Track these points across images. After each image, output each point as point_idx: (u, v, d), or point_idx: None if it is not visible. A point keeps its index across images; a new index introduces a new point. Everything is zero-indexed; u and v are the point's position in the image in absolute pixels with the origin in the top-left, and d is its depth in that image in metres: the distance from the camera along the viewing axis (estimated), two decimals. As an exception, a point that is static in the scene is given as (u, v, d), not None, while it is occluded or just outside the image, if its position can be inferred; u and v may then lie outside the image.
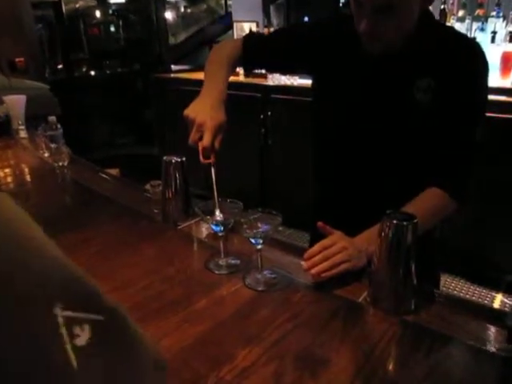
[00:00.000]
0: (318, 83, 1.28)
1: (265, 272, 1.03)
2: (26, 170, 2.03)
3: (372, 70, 1.12)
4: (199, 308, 0.93)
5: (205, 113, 1.04)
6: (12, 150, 2.32)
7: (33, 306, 0.32)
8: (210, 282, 1.03)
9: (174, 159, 1.29)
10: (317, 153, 1.34)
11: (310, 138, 1.34)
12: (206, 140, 1.02)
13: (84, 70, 5.67)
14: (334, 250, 0.96)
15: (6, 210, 0.36)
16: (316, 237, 1.36)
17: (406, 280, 0.88)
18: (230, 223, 1.03)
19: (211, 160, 1.05)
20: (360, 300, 0.94)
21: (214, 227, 1.04)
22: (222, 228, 1.03)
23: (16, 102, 2.57)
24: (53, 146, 2.01)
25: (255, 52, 1.28)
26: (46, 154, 2.10)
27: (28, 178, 1.95)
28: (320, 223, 1.02)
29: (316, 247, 0.97)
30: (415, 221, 0.85)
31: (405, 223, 0.84)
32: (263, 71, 3.41)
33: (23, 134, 2.52)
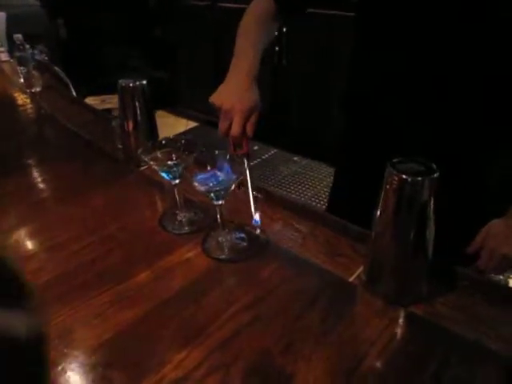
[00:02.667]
0: None
1: (232, 233, 0.78)
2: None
3: None
4: (136, 284, 0.70)
5: (231, 97, 0.85)
6: (-14, 74, 2.07)
7: None
8: (159, 245, 0.79)
9: (132, 83, 1.01)
10: (355, 75, 0.98)
11: (350, 57, 0.97)
12: (235, 128, 0.83)
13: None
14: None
15: None
16: (343, 170, 1.09)
17: (417, 255, 0.62)
18: (184, 170, 0.77)
19: (243, 150, 0.85)
20: (352, 279, 0.68)
21: (164, 174, 0.78)
22: (173, 175, 0.77)
23: (-6, 20, 2.28)
24: (21, 69, 1.75)
25: None
26: (22, 80, 1.85)
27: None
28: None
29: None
30: (435, 175, 0.56)
31: (419, 179, 0.56)
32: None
33: (4, 56, 2.26)
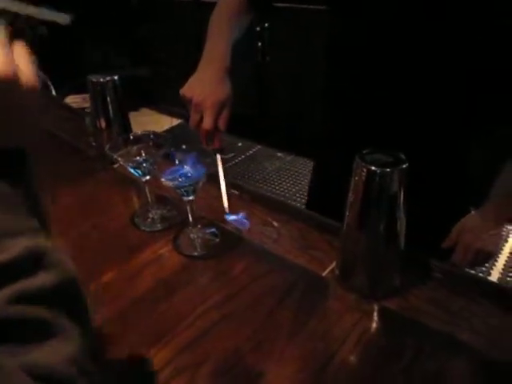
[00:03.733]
0: None
1: (204, 230, 0.77)
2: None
3: None
4: (105, 284, 0.68)
5: (203, 89, 0.83)
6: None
7: None
8: (130, 244, 0.77)
9: (102, 79, 0.99)
10: (332, 69, 0.95)
11: (324, 49, 0.93)
12: (206, 122, 0.80)
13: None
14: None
15: None
16: (321, 165, 1.07)
17: (388, 247, 0.61)
18: (153, 165, 0.75)
19: (215, 145, 0.82)
20: (325, 274, 0.67)
21: (132, 171, 0.75)
22: (143, 172, 0.75)
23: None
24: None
25: None
26: None
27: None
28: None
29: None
30: (404, 166, 0.55)
31: (388, 170, 0.55)
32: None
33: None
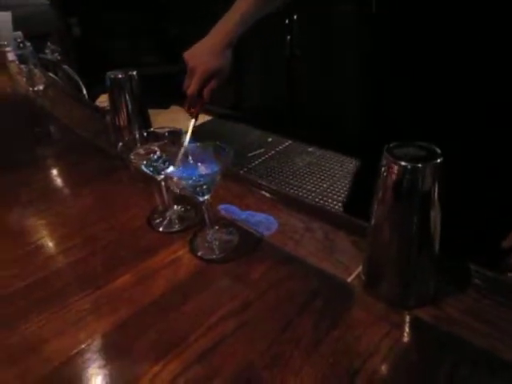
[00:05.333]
0: None
1: (222, 231, 0.72)
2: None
3: None
4: (117, 288, 0.65)
5: (199, 57, 0.89)
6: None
7: None
8: (146, 246, 0.73)
9: (120, 75, 0.96)
10: (374, 56, 0.88)
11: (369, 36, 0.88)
12: (191, 87, 0.88)
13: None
14: None
15: None
16: (367, 161, 1.00)
17: (422, 251, 0.54)
18: (167, 162, 0.71)
19: (194, 110, 0.89)
20: (350, 279, 0.61)
21: (144, 169, 0.72)
22: (156, 170, 0.72)
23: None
24: (23, 67, 1.73)
25: None
26: (24, 79, 1.83)
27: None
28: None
29: None
30: (438, 160, 0.49)
31: (419, 165, 0.48)
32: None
33: (11, 56, 2.24)
